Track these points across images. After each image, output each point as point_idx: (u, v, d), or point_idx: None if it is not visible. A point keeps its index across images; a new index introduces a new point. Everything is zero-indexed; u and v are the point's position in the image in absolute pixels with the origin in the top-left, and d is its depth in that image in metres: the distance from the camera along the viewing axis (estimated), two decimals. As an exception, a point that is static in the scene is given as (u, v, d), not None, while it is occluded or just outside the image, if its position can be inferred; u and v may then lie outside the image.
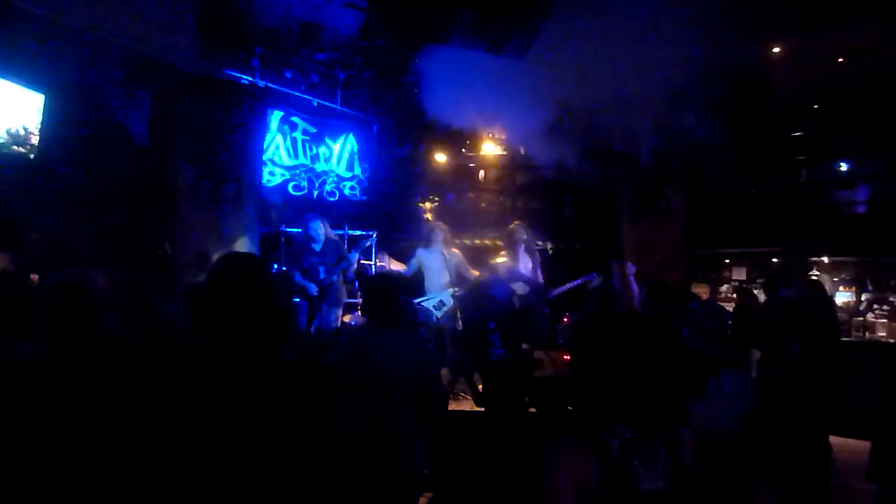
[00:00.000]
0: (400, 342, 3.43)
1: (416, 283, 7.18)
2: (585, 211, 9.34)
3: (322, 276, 6.86)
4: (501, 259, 7.00)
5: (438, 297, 7.05)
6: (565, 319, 8.22)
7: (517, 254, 7.19)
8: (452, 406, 6.22)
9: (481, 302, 5.43)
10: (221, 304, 2.02)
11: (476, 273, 7.19)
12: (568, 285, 7.39)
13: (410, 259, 7.49)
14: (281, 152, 8.76)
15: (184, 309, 3.83)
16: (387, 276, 4.23)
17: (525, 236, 7.16)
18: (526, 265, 7.13)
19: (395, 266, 7.89)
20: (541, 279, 7.22)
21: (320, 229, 7.04)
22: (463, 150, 9.88)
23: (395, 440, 3.33)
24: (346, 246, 7.63)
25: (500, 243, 8.69)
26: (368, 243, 7.52)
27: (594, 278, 7.32)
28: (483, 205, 10.06)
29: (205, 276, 2.17)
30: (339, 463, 3.15)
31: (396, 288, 3.69)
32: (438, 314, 6.91)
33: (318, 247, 7.03)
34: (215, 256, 6.60)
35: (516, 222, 7.47)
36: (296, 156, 8.88)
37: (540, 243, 7.43)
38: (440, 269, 7.21)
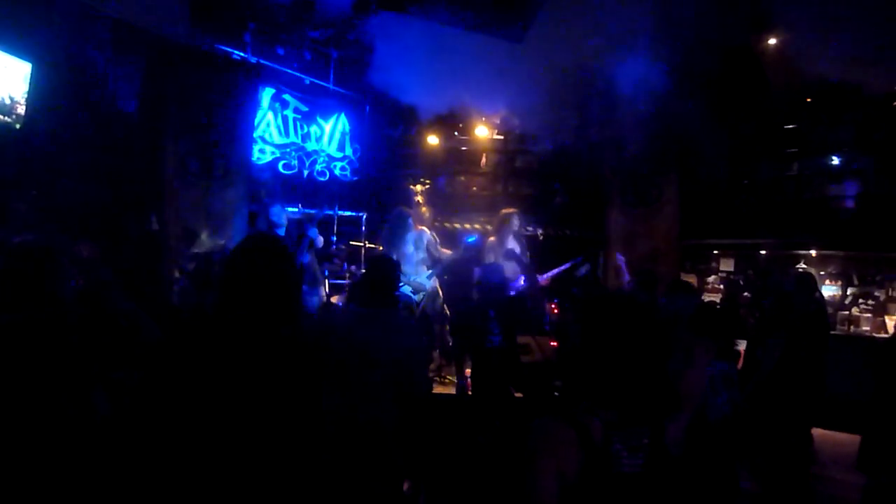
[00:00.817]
0: (390, 323, 3.41)
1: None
2: (576, 198, 9.30)
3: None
4: (490, 239, 7.12)
5: (414, 278, 6.95)
6: (553, 306, 8.21)
7: (504, 238, 7.12)
8: (440, 390, 6.27)
9: (481, 288, 5.37)
10: (245, 283, 2.05)
11: (447, 252, 7.21)
12: (555, 270, 7.45)
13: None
14: (272, 130, 8.68)
15: (188, 287, 3.77)
16: (386, 259, 4.04)
17: (516, 222, 7.12)
18: (515, 249, 7.04)
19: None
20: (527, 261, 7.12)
21: (283, 214, 6.96)
22: (455, 133, 9.85)
23: (378, 422, 3.29)
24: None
25: (490, 227, 8.78)
26: (320, 217, 7.25)
27: (582, 264, 7.35)
28: (474, 189, 10.03)
29: (222, 255, 2.16)
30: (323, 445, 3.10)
31: (393, 271, 3.66)
32: (417, 298, 6.80)
33: (282, 231, 6.93)
34: (204, 233, 6.86)
35: (510, 209, 7.42)
36: (287, 134, 8.81)
37: (530, 229, 7.48)
38: (412, 250, 7.05)
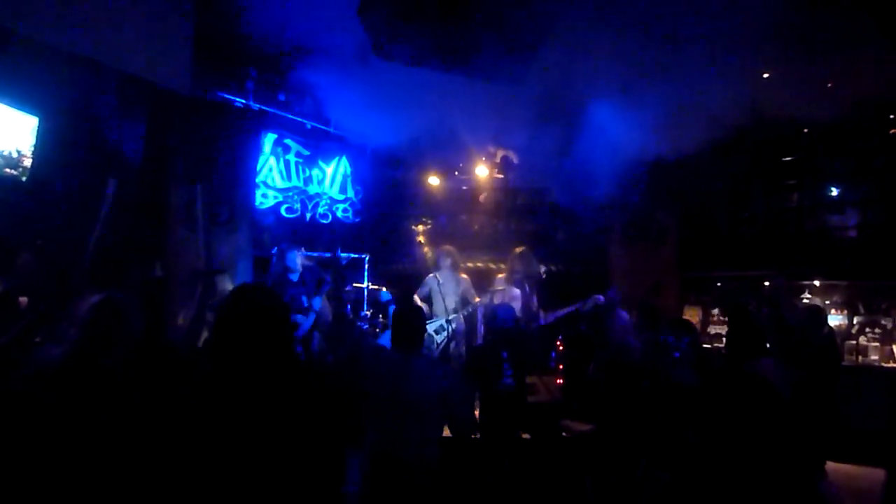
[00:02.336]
0: (429, 367, 3.77)
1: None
2: (577, 234, 9.10)
3: (305, 304, 6.68)
4: (500, 287, 7.14)
5: (439, 321, 6.96)
6: (558, 343, 7.99)
7: (515, 279, 7.13)
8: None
9: (493, 329, 5.32)
10: (234, 340, 2.13)
11: (478, 300, 7.26)
12: (562, 311, 7.37)
13: (423, 284, 7.48)
14: (274, 174, 8.80)
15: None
16: (416, 305, 4.50)
17: (530, 264, 7.13)
18: (522, 290, 7.05)
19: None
20: (535, 304, 7.17)
21: (297, 259, 6.91)
22: (456, 172, 9.84)
23: (427, 463, 3.57)
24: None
25: (493, 266, 8.99)
26: (346, 262, 7.60)
27: (599, 300, 7.17)
28: (475, 227, 9.95)
29: (217, 308, 2.33)
30: (370, 486, 3.46)
31: (423, 317, 4.02)
32: (438, 339, 6.85)
33: (295, 277, 6.92)
34: (212, 285, 6.42)
35: (522, 248, 7.44)
36: (289, 178, 8.90)
37: (543, 267, 7.42)
38: (451, 294, 7.21)
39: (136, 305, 2.72)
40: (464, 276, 7.53)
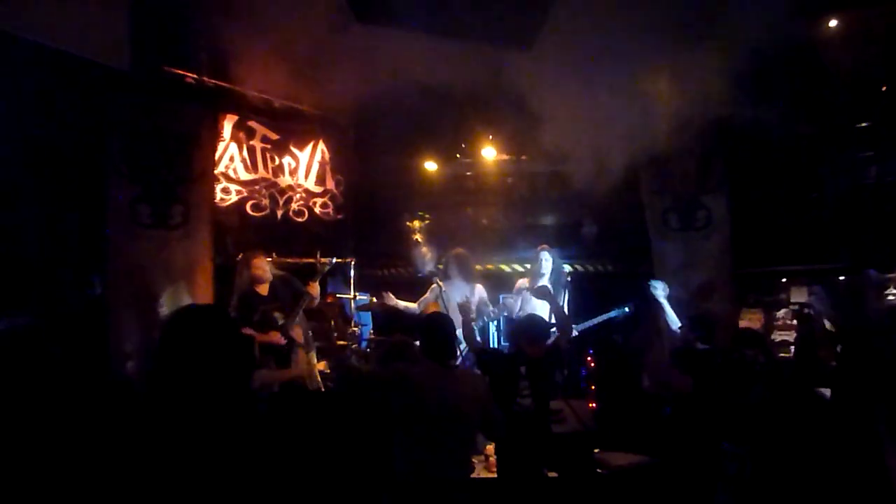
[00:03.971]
0: (465, 374, 4.49)
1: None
2: (610, 225, 8.90)
3: (278, 323, 6.39)
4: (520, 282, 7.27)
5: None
6: (588, 359, 7.94)
7: (536, 281, 7.12)
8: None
9: (514, 340, 5.37)
10: (171, 376, 2.22)
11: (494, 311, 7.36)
12: (595, 320, 7.18)
13: (426, 294, 7.46)
14: (236, 165, 8.39)
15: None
16: (443, 316, 4.72)
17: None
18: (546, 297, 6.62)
19: (395, 302, 7.67)
20: (565, 313, 6.72)
21: (268, 267, 6.71)
22: (458, 155, 9.56)
23: (466, 482, 4.07)
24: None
25: (506, 269, 8.92)
26: (331, 267, 7.13)
27: (626, 309, 7.17)
28: (484, 221, 9.70)
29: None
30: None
31: (453, 327, 4.46)
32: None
33: (265, 289, 6.69)
34: (165, 302, 6.89)
35: (543, 245, 7.43)
36: (254, 169, 8.54)
37: (568, 268, 7.33)
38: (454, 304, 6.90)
39: (52, 334, 2.71)
40: (478, 286, 7.49)
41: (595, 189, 7.58)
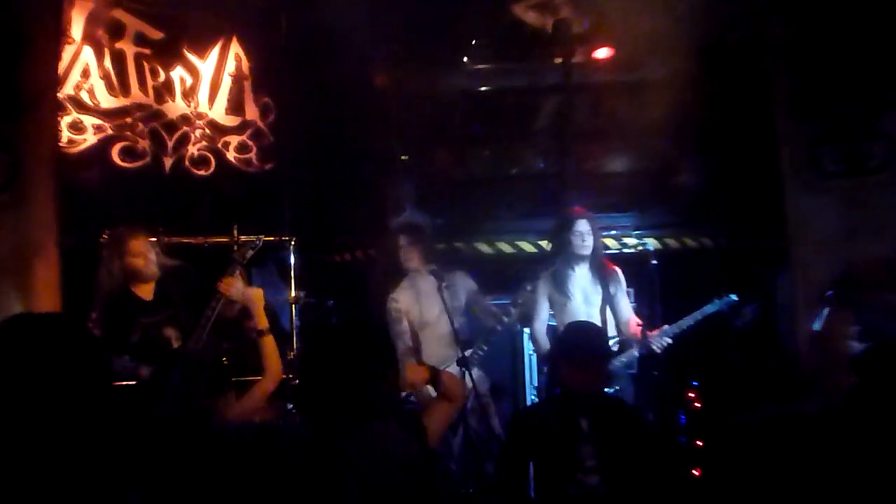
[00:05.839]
0: (399, 438, 3.58)
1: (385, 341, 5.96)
2: (720, 174, 8.02)
3: (169, 341, 6.12)
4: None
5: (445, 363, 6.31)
6: (690, 394, 6.95)
7: (570, 266, 6.57)
8: None
9: (562, 372, 4.80)
10: None
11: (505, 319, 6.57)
12: (688, 319, 6.34)
13: (394, 293, 6.84)
14: (93, 83, 7.46)
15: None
16: (367, 325, 4.75)
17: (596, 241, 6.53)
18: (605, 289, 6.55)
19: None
20: (634, 321, 6.48)
21: (148, 253, 6.05)
22: (466, 59, 8.37)
23: None
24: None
25: (529, 249, 8.40)
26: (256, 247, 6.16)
27: (736, 304, 6.42)
28: (505, 168, 8.76)
29: None
30: None
31: (363, 352, 3.63)
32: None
33: (147, 291, 6.09)
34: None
35: (578, 209, 6.74)
36: (124, 90, 7.56)
37: (653, 243, 6.74)
38: (438, 313, 6.47)
39: None
40: (462, 274, 6.91)
41: (695, 111, 7.12)
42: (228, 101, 7.98)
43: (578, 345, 4.71)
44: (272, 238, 7.12)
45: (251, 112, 8.07)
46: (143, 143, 7.58)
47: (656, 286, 6.38)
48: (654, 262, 6.48)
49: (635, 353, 6.33)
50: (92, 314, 6.07)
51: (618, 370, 6.19)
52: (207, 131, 7.92)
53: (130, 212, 6.84)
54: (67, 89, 7.30)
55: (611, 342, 6.13)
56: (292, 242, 7.51)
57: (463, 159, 8.95)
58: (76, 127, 7.38)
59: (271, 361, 5.33)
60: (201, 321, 5.59)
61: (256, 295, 5.46)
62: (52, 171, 6.69)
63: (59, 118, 7.12)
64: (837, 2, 6.77)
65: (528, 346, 7.52)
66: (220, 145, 7.89)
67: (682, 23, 6.85)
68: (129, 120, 7.56)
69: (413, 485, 3.47)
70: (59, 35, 7.05)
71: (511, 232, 8.51)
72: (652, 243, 7.08)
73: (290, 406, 6.28)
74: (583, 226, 6.50)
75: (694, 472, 6.28)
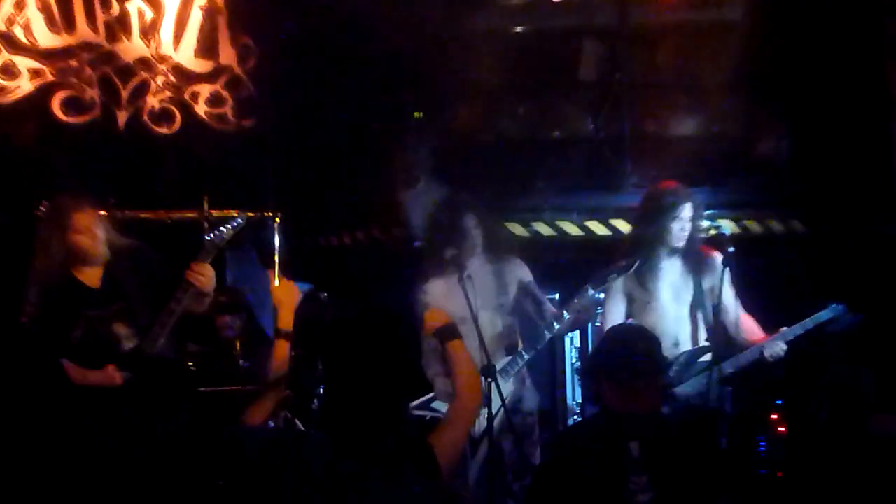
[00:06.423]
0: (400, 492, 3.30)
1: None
2: (814, 141, 7.30)
3: (121, 341, 5.66)
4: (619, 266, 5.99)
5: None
6: (774, 417, 6.58)
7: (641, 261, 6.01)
8: None
9: (608, 386, 4.23)
10: None
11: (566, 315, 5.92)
12: (798, 327, 5.79)
13: (424, 282, 6.21)
14: (29, 17, 7.39)
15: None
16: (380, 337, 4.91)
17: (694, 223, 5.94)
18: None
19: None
20: (749, 320, 5.93)
21: (96, 229, 5.60)
22: None
23: None
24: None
25: (575, 232, 8.10)
26: (237, 227, 5.82)
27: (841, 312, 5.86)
28: (547, 131, 8.09)
29: None
30: None
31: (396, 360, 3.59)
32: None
33: (93, 277, 5.67)
34: None
35: (669, 182, 6.13)
36: (69, 26, 7.42)
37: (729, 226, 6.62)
38: (495, 308, 6.09)
39: None
40: (516, 260, 6.38)
41: (784, 61, 7.08)
42: (198, 40, 7.61)
43: (620, 359, 4.04)
44: (251, 214, 6.38)
45: (227, 55, 7.67)
46: (92, 93, 7.29)
47: (734, 280, 5.87)
48: (731, 249, 5.79)
49: (739, 362, 5.76)
50: (26, 303, 5.64)
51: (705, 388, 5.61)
52: (172, 79, 7.57)
53: (75, 178, 6.67)
54: (-4, 27, 6.72)
55: (686, 349, 5.73)
56: (276, 220, 6.89)
57: (492, 118, 8.18)
58: (7, 71, 7.17)
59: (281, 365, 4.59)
60: (161, 317, 5.34)
61: (289, 291, 4.76)
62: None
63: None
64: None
65: (570, 354, 7.00)
66: (187, 96, 7.53)
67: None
68: (73, 63, 7.29)
69: None
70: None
71: (551, 210, 7.90)
72: (728, 226, 6.83)
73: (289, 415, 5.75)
74: (686, 210, 5.94)
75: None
